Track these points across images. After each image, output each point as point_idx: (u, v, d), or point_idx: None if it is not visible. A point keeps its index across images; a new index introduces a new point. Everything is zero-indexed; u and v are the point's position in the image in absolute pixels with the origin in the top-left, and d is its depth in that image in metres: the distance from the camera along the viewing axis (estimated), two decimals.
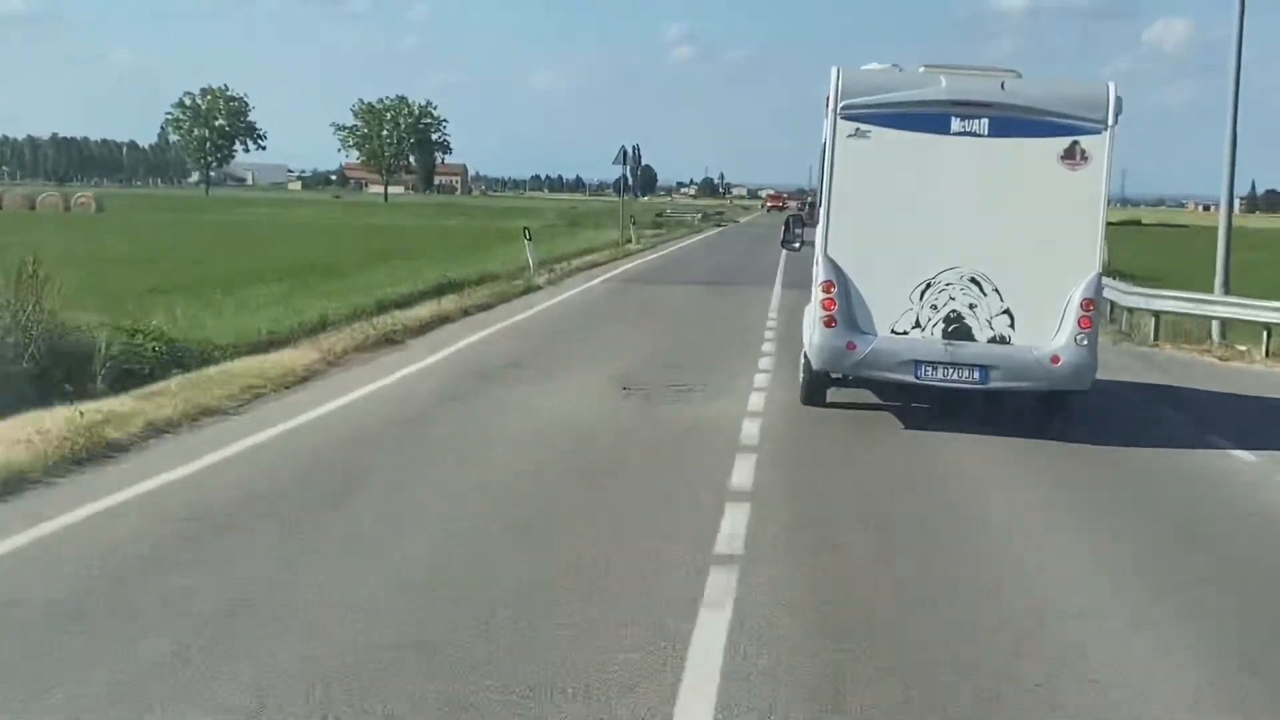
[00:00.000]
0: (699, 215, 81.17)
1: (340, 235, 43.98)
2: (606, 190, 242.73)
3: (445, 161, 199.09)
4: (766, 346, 15.37)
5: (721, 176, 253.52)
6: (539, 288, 23.60)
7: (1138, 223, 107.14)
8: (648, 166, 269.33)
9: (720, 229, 71.14)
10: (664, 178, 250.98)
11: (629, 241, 41.44)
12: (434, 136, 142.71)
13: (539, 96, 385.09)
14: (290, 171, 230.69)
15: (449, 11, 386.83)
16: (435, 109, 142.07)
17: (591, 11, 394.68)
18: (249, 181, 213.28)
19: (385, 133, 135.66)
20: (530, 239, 27.12)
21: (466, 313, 18.64)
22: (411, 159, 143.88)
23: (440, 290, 20.54)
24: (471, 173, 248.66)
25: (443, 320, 17.42)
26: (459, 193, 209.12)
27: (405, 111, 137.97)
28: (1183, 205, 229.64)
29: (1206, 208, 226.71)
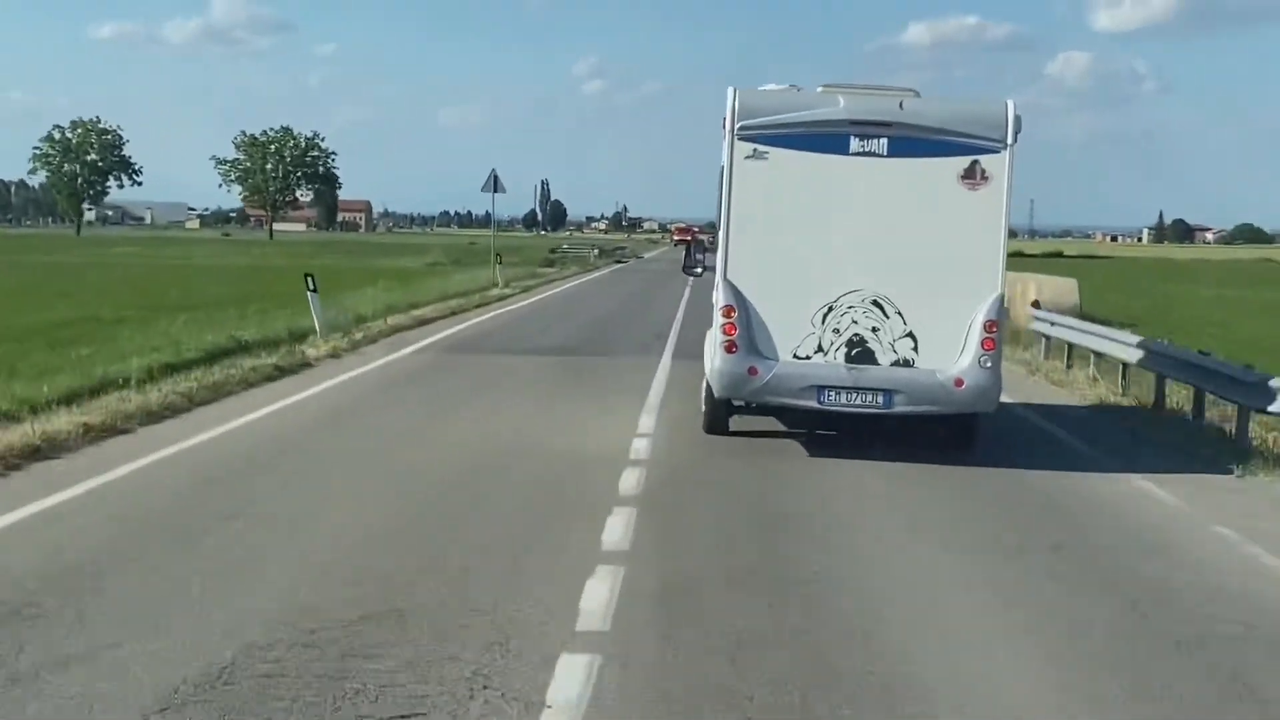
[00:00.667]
0: (595, 251, 74.17)
1: (174, 279, 38.18)
2: (516, 225, 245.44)
3: (341, 197, 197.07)
4: (614, 527, 7.90)
5: (625, 209, 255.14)
6: (308, 364, 16.18)
7: (1060, 254, 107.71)
8: (557, 202, 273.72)
9: (621, 265, 64.76)
10: (578, 212, 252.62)
11: (494, 286, 35.32)
12: (322, 169, 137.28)
13: (449, 132, 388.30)
14: (191, 209, 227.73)
15: (356, 47, 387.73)
16: (323, 140, 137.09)
17: (502, 45, 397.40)
18: (147, 220, 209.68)
19: (269, 166, 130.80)
20: (315, 289, 19.37)
21: (109, 430, 10.77)
22: (299, 194, 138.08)
23: (211, 359, 15.39)
24: (380, 209, 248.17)
25: (51, 447, 9.87)
26: (363, 229, 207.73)
27: (290, 144, 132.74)
28: (1089, 236, 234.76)
29: (1114, 238, 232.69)
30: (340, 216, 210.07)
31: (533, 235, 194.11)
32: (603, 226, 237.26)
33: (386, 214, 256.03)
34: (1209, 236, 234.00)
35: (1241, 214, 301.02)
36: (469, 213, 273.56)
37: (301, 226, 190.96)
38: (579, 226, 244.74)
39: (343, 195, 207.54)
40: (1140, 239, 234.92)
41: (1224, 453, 11.41)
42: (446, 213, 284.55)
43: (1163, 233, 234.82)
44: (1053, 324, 18.93)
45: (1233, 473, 10.68)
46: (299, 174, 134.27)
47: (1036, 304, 22.54)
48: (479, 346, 19.73)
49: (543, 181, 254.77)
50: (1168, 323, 26.27)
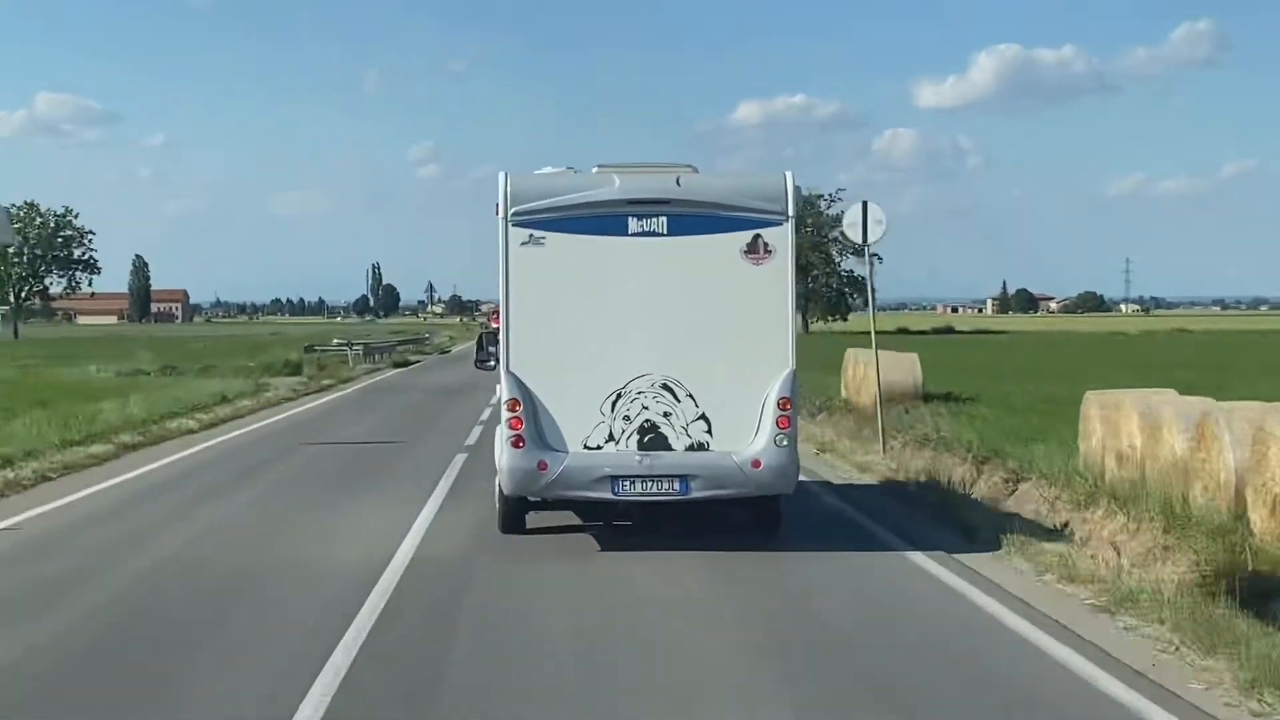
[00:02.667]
0: (357, 349, 49.85)
1: None
2: (347, 312, 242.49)
3: (155, 286, 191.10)
4: None
5: (429, 288, 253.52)
6: None
7: (951, 329, 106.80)
8: (390, 286, 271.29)
9: (402, 370, 47.11)
10: (415, 296, 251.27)
11: None
12: (77, 253, 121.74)
13: (284, 219, 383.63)
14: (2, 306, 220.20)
15: (186, 136, 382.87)
16: (76, 216, 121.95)
17: (338, 131, 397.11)
18: None
19: (11, 250, 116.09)
20: None
21: None
22: (49, 282, 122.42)
23: None
24: (212, 298, 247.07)
25: None
26: (179, 320, 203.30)
27: (38, 222, 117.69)
28: (931, 308, 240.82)
29: (954, 309, 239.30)
30: (156, 307, 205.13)
31: (364, 322, 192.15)
32: (439, 310, 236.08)
33: (219, 303, 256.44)
34: (1053, 305, 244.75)
35: (1079, 283, 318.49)
36: (301, 300, 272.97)
37: (112, 319, 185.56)
38: (414, 311, 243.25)
39: (157, 284, 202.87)
40: (982, 309, 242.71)
41: None
42: (279, 300, 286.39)
43: (1007, 302, 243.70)
44: None
45: None
46: (48, 258, 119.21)
47: None
48: None
49: (374, 265, 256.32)
50: None
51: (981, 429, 17.82)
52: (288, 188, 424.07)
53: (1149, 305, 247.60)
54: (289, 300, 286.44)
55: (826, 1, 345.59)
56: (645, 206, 10.70)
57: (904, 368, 24.64)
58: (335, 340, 55.87)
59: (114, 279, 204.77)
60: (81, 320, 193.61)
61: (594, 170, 11.27)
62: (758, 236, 10.76)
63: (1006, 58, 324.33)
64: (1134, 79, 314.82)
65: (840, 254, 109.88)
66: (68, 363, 42.64)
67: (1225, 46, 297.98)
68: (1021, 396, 24.28)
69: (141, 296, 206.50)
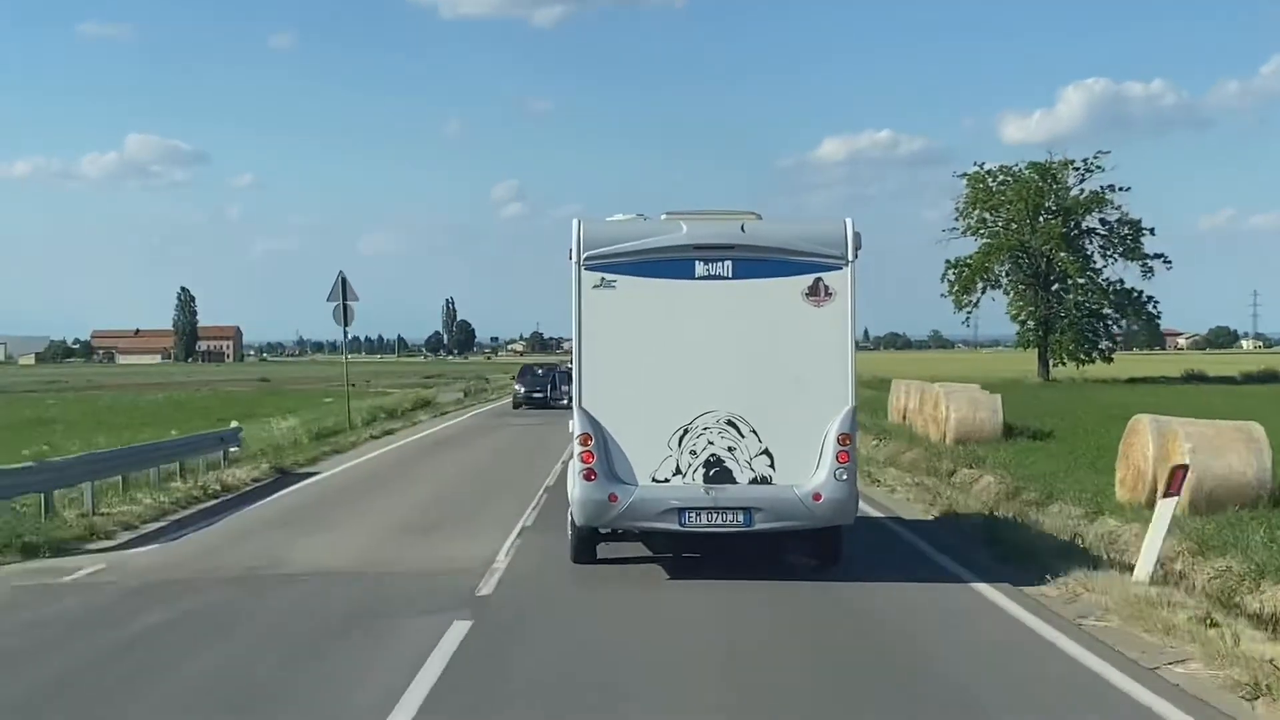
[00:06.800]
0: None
1: None
2: (420, 350, 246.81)
3: (203, 323, 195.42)
4: None
5: (447, 306, 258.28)
6: None
7: (1203, 377, 69.53)
8: (464, 322, 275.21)
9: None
10: (498, 333, 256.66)
11: None
12: None
13: (369, 258, 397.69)
14: (56, 341, 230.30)
15: (273, 177, 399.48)
16: None
17: (421, 172, 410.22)
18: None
19: None
20: None
21: None
22: None
23: None
24: (294, 336, 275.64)
25: None
26: (229, 358, 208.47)
27: None
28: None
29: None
30: (205, 345, 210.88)
31: (430, 360, 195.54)
32: (520, 348, 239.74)
33: (300, 341, 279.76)
34: (1181, 342, 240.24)
35: (1192, 317, 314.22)
36: (380, 338, 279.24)
37: (155, 358, 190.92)
38: (494, 349, 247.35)
39: (205, 321, 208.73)
40: None
41: None
42: (356, 338, 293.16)
43: (1130, 339, 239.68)
44: None
45: None
46: None
47: None
48: None
49: (448, 301, 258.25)
50: None
51: None
52: (371, 227, 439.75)
53: (1272, 342, 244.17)
54: (366, 338, 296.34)
55: (910, 38, 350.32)
56: (711, 251, 12.16)
57: None
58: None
59: (167, 315, 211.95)
60: (122, 360, 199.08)
61: (663, 217, 12.69)
62: (819, 280, 12.20)
63: (1095, 92, 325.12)
64: (1226, 112, 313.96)
65: (1105, 256, 70.31)
66: None
67: None
68: None
69: (187, 334, 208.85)
